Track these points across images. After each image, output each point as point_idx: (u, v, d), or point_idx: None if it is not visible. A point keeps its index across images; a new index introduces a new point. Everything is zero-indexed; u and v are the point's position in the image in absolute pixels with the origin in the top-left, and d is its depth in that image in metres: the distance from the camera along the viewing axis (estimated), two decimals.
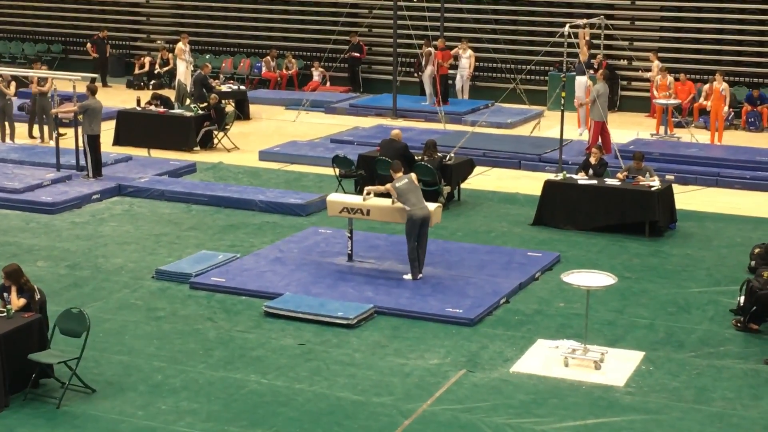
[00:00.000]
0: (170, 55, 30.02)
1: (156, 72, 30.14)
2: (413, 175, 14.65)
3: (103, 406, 10.75)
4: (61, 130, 20.75)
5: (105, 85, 30.36)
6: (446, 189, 18.03)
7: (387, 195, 14.53)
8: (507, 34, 28.37)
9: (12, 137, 22.61)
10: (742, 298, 13.03)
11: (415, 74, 27.33)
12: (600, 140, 20.46)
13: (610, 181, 17.10)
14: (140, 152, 22.01)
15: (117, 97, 28.37)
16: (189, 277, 14.34)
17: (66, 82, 20.77)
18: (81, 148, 19.32)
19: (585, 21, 22.38)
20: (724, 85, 23.28)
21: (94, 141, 19.10)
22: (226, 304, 13.63)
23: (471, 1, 28.07)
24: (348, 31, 28.85)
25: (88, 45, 30.59)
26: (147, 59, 30.77)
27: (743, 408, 10.87)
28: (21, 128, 23.65)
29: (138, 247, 15.91)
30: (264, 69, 30.00)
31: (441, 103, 25.53)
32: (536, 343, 12.41)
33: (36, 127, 23.17)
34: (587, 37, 24.20)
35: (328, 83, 29.38)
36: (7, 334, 10.67)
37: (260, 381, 11.36)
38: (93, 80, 20.74)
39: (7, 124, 22.78)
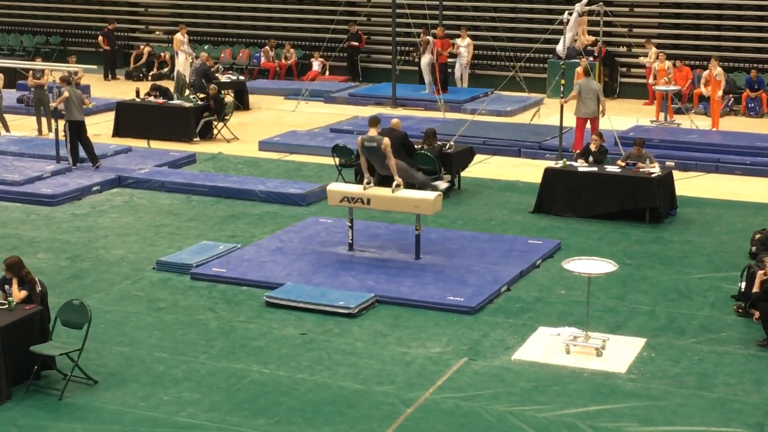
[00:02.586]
0: (167, 55, 30.08)
1: (152, 73, 30.04)
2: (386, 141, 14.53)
3: (105, 397, 10.76)
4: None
5: (114, 77, 30.33)
6: (446, 177, 18.02)
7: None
8: (506, 21, 28.34)
9: (6, 128, 22.48)
10: (743, 284, 13.04)
11: (414, 55, 27.24)
12: (589, 129, 20.14)
13: (610, 168, 17.09)
14: (140, 143, 22.01)
15: (116, 88, 28.39)
16: (190, 268, 14.34)
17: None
18: (63, 139, 19.42)
19: (584, 8, 22.33)
20: (719, 70, 23.23)
21: (78, 127, 19.14)
22: (227, 294, 13.64)
23: None
24: (346, 20, 28.82)
25: (100, 38, 30.49)
26: (146, 49, 30.74)
27: (745, 394, 10.88)
28: (21, 120, 23.68)
29: (138, 239, 15.91)
30: (263, 59, 29.98)
31: (440, 91, 25.51)
32: (537, 331, 12.42)
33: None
34: (585, 25, 24.10)
35: (327, 73, 29.36)
36: (9, 326, 10.67)
37: (262, 371, 11.37)
38: (75, 73, 20.80)
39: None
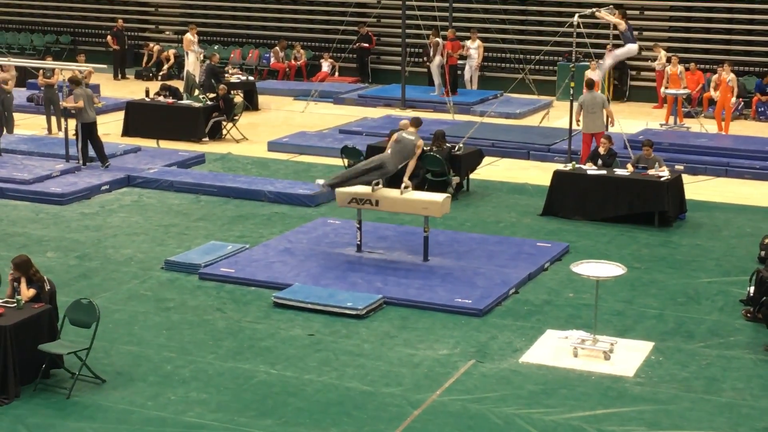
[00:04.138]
0: (171, 53, 30.14)
1: (162, 73, 30.08)
2: (420, 143, 14.68)
3: (112, 396, 10.77)
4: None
5: (124, 77, 30.39)
6: (455, 179, 18.02)
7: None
8: (516, 24, 28.34)
9: (11, 130, 22.47)
10: (752, 289, 13.01)
11: (425, 59, 27.23)
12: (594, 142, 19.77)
13: (619, 172, 17.07)
14: (149, 143, 22.04)
15: (125, 88, 28.44)
16: (198, 268, 14.35)
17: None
18: (73, 138, 19.47)
19: (593, 10, 22.27)
20: (732, 75, 23.22)
21: (90, 127, 19.19)
22: (236, 294, 13.65)
23: None
24: (357, 21, 28.83)
25: (109, 37, 30.55)
26: (155, 47, 30.77)
27: (753, 398, 10.86)
28: (30, 119, 23.75)
29: (147, 238, 15.93)
30: (273, 60, 30.01)
31: (450, 93, 25.50)
32: (545, 334, 12.40)
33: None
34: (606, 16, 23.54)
35: (336, 74, 29.38)
36: (18, 324, 10.69)
37: (269, 371, 11.37)
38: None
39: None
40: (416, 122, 15.18)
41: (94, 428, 10.14)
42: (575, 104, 19.46)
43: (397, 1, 26.62)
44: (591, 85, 19.60)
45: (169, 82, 26.01)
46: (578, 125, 19.48)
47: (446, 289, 13.56)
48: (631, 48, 20.12)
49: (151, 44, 31.11)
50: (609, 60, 21.19)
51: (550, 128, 22.93)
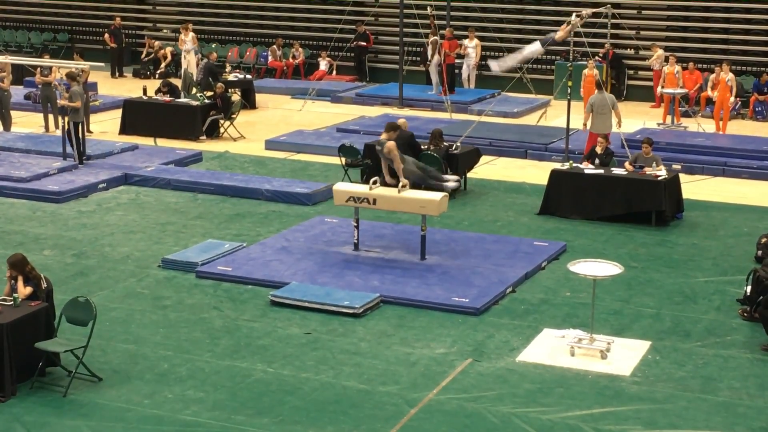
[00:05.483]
0: (168, 50, 30.11)
1: (160, 71, 30.04)
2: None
3: (109, 394, 10.77)
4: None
5: (121, 75, 30.37)
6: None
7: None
8: (513, 23, 28.33)
9: (8, 127, 22.44)
10: (749, 288, 13.02)
11: (422, 66, 27.24)
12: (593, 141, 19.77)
13: (616, 171, 17.08)
14: (146, 141, 22.02)
15: (123, 86, 28.41)
16: (195, 266, 14.34)
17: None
18: (67, 135, 19.48)
19: (590, 11, 22.25)
20: (730, 75, 23.24)
21: (76, 128, 19.18)
22: (233, 293, 13.64)
23: None
24: (354, 20, 28.82)
25: (106, 35, 30.51)
26: (156, 43, 30.72)
27: (749, 398, 10.87)
28: (28, 117, 23.72)
29: (144, 236, 15.92)
30: (270, 58, 30.00)
31: (447, 92, 25.49)
32: (542, 333, 12.41)
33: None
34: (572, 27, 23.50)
35: (334, 72, 29.37)
36: (14, 322, 10.68)
37: (266, 370, 11.37)
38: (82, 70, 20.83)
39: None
40: (386, 127, 15.21)
41: (90, 426, 10.13)
42: (586, 105, 19.43)
43: (395, 0, 26.59)
44: (600, 86, 19.61)
45: (169, 79, 25.98)
46: (584, 128, 19.46)
47: (443, 287, 13.56)
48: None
49: (155, 42, 31.03)
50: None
51: (548, 127, 22.94)
